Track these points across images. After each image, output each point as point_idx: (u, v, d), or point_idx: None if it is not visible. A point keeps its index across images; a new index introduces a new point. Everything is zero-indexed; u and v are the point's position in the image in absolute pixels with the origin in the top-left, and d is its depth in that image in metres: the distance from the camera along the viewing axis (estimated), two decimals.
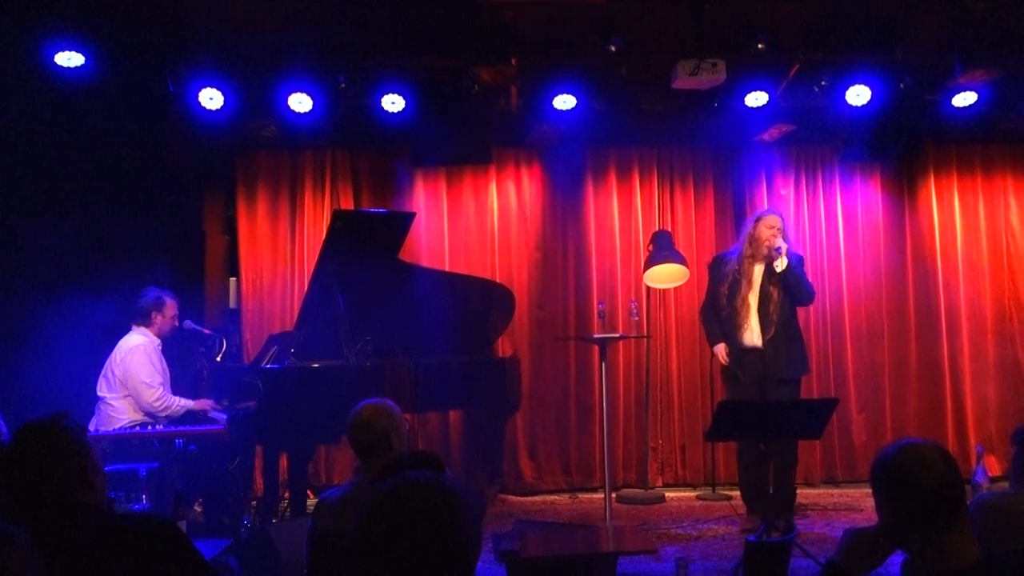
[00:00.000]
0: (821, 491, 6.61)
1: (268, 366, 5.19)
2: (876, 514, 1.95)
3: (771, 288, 5.26)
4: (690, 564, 4.63)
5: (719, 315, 5.43)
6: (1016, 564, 1.82)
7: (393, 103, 5.79)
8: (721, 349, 5.41)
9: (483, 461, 6.59)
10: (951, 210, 7.07)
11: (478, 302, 5.90)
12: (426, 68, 5.83)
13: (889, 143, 6.27)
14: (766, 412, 4.51)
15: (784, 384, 5.24)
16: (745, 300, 5.29)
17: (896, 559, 1.93)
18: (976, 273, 7.04)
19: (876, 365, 6.93)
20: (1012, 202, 7.14)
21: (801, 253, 5.82)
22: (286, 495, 5.48)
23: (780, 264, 5.20)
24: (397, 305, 5.48)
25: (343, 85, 5.76)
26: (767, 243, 5.24)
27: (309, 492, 5.77)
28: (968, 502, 1.87)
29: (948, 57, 5.79)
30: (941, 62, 5.84)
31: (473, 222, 6.86)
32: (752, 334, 5.27)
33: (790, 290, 5.26)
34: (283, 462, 5.50)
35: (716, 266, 5.58)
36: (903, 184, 7.07)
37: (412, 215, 6.00)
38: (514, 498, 6.56)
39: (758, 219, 5.39)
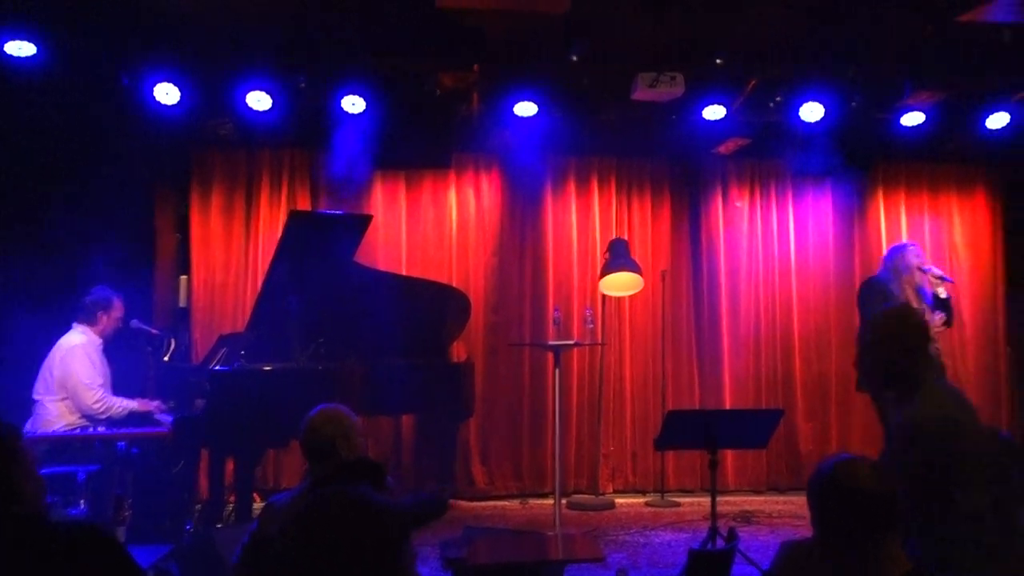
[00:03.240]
0: (766, 498, 6.74)
1: (217, 368, 5.11)
2: (811, 526, 2.00)
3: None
4: (635, 571, 4.69)
5: None
6: None
7: (353, 104, 5.77)
8: None
9: (435, 466, 6.56)
10: (898, 226, 7.25)
11: (433, 306, 5.88)
12: (388, 71, 5.81)
13: (840, 159, 6.42)
14: (714, 422, 4.57)
15: None
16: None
17: None
18: None
19: (823, 376, 7.08)
20: (956, 221, 7.37)
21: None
22: (231, 499, 5.40)
23: (943, 291, 5.48)
24: (351, 308, 5.43)
25: (303, 85, 5.72)
26: (931, 270, 5.51)
27: (256, 495, 5.70)
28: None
29: (898, 78, 5.96)
30: (891, 82, 6.01)
31: (431, 226, 6.84)
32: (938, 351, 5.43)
33: (948, 312, 5.50)
34: (230, 465, 5.42)
35: (874, 291, 5.51)
36: (853, 200, 7.22)
37: (369, 217, 5.96)
38: (465, 503, 6.55)
39: (907, 251, 5.55)
